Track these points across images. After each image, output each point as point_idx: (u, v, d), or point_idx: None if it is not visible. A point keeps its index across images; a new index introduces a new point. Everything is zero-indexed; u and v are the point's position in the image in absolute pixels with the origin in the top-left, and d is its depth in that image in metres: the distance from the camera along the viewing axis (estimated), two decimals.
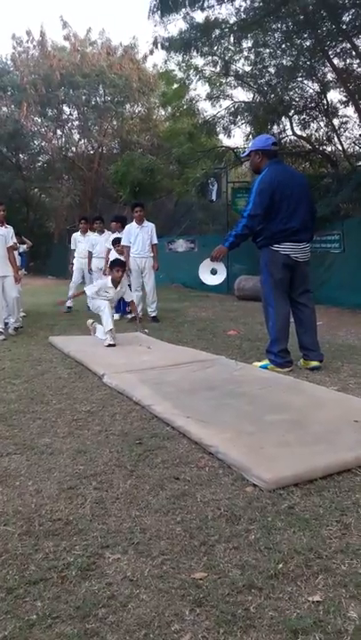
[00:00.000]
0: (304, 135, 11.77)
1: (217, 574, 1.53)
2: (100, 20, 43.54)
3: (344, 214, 9.42)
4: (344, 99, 10.66)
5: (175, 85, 14.68)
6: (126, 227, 7.20)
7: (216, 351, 4.74)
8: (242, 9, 9.57)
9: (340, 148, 11.40)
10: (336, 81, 10.31)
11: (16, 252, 6.27)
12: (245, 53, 11.06)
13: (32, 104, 19.23)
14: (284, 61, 10.41)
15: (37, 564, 1.60)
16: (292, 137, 11.96)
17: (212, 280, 4.53)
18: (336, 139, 11.35)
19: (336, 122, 11.26)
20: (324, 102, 10.94)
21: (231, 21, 9.91)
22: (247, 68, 11.47)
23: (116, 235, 7.64)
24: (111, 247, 7.41)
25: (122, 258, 7.06)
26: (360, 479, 2.12)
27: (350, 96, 10.01)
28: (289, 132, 11.80)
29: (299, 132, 11.76)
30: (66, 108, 21.34)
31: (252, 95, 12.09)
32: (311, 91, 11.02)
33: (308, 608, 1.38)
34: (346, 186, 8.75)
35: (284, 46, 10.06)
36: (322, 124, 11.44)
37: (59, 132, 21.77)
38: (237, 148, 12.67)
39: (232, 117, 12.18)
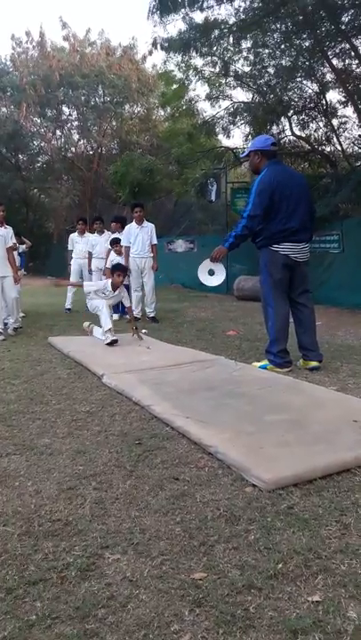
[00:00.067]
0: (303, 135, 11.78)
1: (216, 574, 1.53)
2: (99, 20, 43.57)
3: (343, 214, 9.43)
4: (343, 99, 10.66)
5: (174, 86, 14.71)
6: (126, 227, 7.20)
7: (215, 351, 4.74)
8: (241, 9, 9.59)
9: (340, 148, 11.40)
10: (335, 81, 10.32)
11: (15, 253, 6.27)
12: (245, 54, 11.09)
13: (31, 104, 19.21)
14: (284, 62, 10.42)
15: (37, 564, 1.60)
16: (292, 137, 11.97)
17: (211, 281, 4.54)
18: (335, 139, 11.36)
19: (335, 122, 11.27)
20: (324, 103, 10.95)
21: (230, 22, 9.93)
22: (246, 69, 11.49)
23: (115, 235, 7.65)
24: (110, 248, 7.43)
25: (120, 258, 7.07)
26: (359, 479, 2.12)
27: (349, 96, 10.02)
28: (288, 133, 11.82)
29: (298, 133, 11.78)
30: (65, 109, 21.35)
31: (251, 95, 12.11)
32: (310, 91, 11.04)
33: (307, 608, 1.38)
34: (345, 186, 8.75)
35: (283, 47, 10.06)
36: (321, 124, 11.45)
37: (58, 132, 21.78)
38: (237, 148, 12.68)
39: (231, 118, 12.19)
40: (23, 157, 23.00)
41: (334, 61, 9.75)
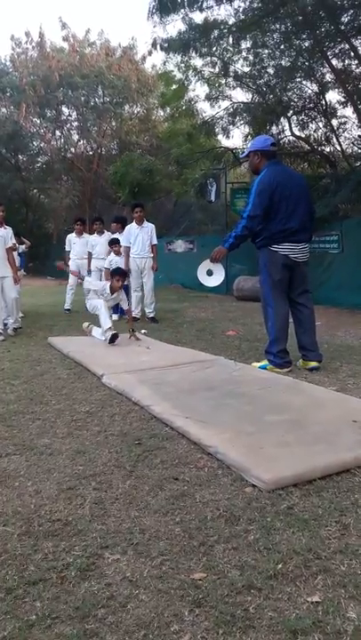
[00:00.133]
0: (303, 136, 11.80)
1: (216, 575, 1.53)
2: (98, 20, 43.53)
3: (343, 215, 9.44)
4: (343, 99, 10.68)
5: (174, 86, 14.73)
6: (126, 227, 7.20)
7: (215, 351, 4.74)
8: (241, 10, 9.60)
9: (339, 148, 11.42)
10: (335, 82, 10.33)
11: (15, 253, 6.27)
12: (244, 54, 11.11)
13: (31, 105, 19.22)
14: (283, 62, 10.43)
15: (37, 564, 1.60)
16: (291, 137, 11.99)
17: (210, 281, 4.54)
18: (335, 139, 11.38)
19: (335, 122, 11.30)
20: (323, 103, 10.96)
21: (230, 22, 9.95)
22: (246, 69, 11.51)
23: (113, 235, 7.65)
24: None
25: (119, 258, 7.07)
26: (359, 479, 2.12)
27: (349, 97, 10.03)
28: (288, 133, 11.84)
29: (297, 133, 11.79)
30: (65, 109, 21.37)
31: (250, 96, 12.13)
32: (310, 91, 11.05)
33: (307, 608, 1.38)
34: (344, 186, 8.76)
35: (282, 47, 10.07)
36: (320, 124, 11.47)
37: (58, 132, 21.78)
38: (236, 148, 12.70)
39: (231, 118, 12.21)
40: (23, 158, 23.00)
41: (334, 62, 9.77)
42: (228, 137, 12.85)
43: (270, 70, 10.84)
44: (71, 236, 8.61)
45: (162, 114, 19.55)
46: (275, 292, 4.01)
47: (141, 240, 6.95)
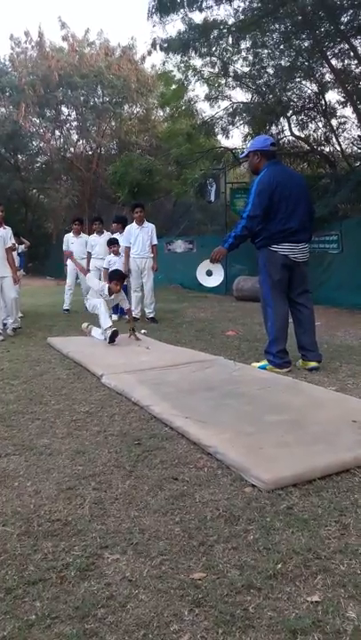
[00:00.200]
0: (302, 136, 11.80)
1: (216, 574, 1.53)
2: (98, 20, 43.60)
3: (342, 215, 9.44)
4: (342, 99, 10.68)
5: (174, 86, 14.73)
6: (126, 227, 7.20)
7: (215, 352, 4.74)
8: (240, 10, 9.60)
9: (339, 148, 11.42)
10: (334, 82, 10.33)
11: (14, 253, 6.27)
12: (244, 54, 11.10)
13: (30, 105, 19.21)
14: (283, 62, 10.43)
15: (36, 564, 1.60)
16: (291, 137, 11.99)
17: (209, 281, 4.54)
18: (334, 139, 11.38)
19: (334, 122, 11.30)
20: (323, 103, 10.96)
21: (229, 22, 9.95)
22: (245, 69, 11.50)
23: (112, 236, 7.63)
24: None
25: (117, 258, 7.07)
26: (359, 479, 2.13)
27: (348, 97, 10.03)
28: (287, 133, 11.84)
29: (297, 133, 11.79)
30: (64, 109, 21.37)
31: (250, 96, 12.12)
32: (309, 91, 11.05)
33: (306, 608, 1.38)
34: (344, 186, 8.76)
35: (282, 47, 10.07)
36: (320, 124, 11.47)
37: (57, 132, 21.78)
38: (236, 148, 12.69)
39: (230, 118, 12.21)
40: (22, 158, 23.00)
41: (333, 62, 9.78)
42: (227, 137, 12.87)
43: (270, 70, 10.85)
44: (69, 236, 8.58)
45: (161, 114, 19.56)
46: (274, 292, 4.01)
47: (142, 240, 6.95)
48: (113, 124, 21.35)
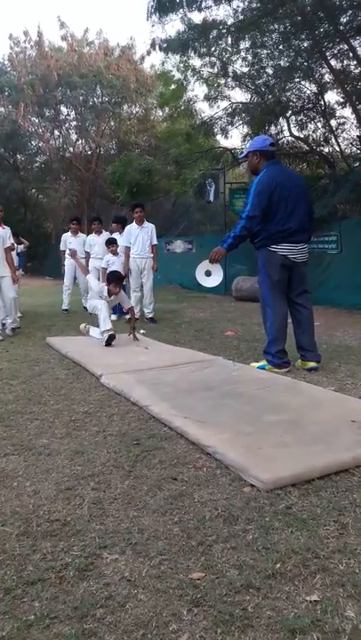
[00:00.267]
0: (301, 136, 11.81)
1: (215, 574, 1.53)
2: (97, 20, 43.62)
3: (341, 215, 9.45)
4: (341, 100, 10.69)
5: (173, 86, 14.73)
6: (126, 227, 7.19)
7: (214, 352, 4.75)
8: (239, 10, 9.60)
9: (338, 149, 11.43)
10: (333, 82, 10.33)
11: (13, 253, 6.26)
12: (243, 54, 11.09)
13: (29, 104, 19.21)
14: (282, 62, 10.43)
15: (35, 564, 1.60)
16: (290, 138, 11.99)
17: (208, 282, 4.55)
18: (333, 140, 11.39)
19: (333, 123, 11.31)
20: (322, 103, 10.97)
21: (229, 22, 9.94)
22: (245, 69, 11.50)
23: (110, 235, 7.63)
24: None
25: (116, 258, 7.06)
26: (357, 479, 2.13)
27: (347, 97, 10.04)
28: (286, 133, 11.84)
29: (296, 133, 11.79)
30: (63, 109, 21.36)
31: (249, 96, 12.12)
32: (309, 92, 11.05)
33: (305, 608, 1.38)
34: (343, 187, 8.77)
35: (281, 47, 10.07)
36: (319, 125, 11.48)
37: (56, 132, 21.76)
38: (235, 148, 12.70)
39: (230, 118, 12.21)
40: (21, 157, 22.99)
41: (333, 62, 9.78)
42: (226, 137, 12.88)
43: (269, 70, 10.85)
44: (66, 236, 8.58)
45: (160, 114, 19.56)
46: (273, 292, 4.02)
47: (141, 240, 6.94)
48: (112, 123, 21.35)
